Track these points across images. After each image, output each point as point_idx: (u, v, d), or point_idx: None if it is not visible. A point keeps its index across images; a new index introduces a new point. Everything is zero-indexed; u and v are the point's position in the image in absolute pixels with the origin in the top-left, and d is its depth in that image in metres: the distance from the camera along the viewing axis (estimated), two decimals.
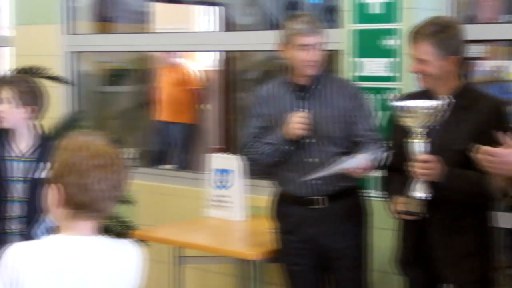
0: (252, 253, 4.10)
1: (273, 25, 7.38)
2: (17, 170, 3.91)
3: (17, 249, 2.33)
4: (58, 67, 5.71)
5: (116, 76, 7.54)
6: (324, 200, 3.96)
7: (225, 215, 4.76)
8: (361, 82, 4.34)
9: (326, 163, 3.79)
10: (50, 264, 2.29)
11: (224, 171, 4.82)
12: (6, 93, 3.88)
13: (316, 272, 4.07)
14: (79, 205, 2.30)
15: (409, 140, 3.33)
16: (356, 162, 3.68)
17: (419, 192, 3.33)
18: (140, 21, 7.62)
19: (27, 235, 3.77)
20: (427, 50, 3.41)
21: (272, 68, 7.51)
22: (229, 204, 4.76)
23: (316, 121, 3.89)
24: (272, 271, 4.78)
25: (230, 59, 7.63)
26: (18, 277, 2.29)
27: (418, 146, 3.31)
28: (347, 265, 4.00)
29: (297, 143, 3.91)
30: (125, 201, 4.88)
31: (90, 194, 2.29)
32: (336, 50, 4.56)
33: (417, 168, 3.30)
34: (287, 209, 4.04)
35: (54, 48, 5.91)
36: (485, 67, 4.26)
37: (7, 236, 3.87)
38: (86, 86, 6.32)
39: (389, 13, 4.32)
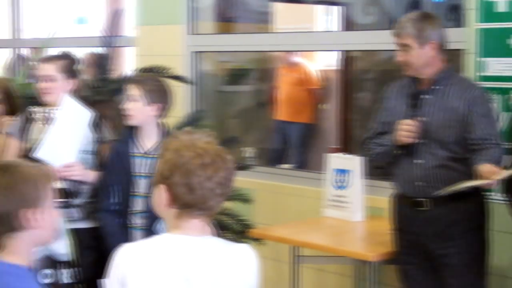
0: (370, 254, 4.07)
1: (394, 25, 7.29)
2: (142, 166, 3.99)
3: (125, 249, 2.37)
4: (179, 67, 5.80)
5: (236, 75, 7.61)
6: (428, 202, 3.90)
7: (343, 215, 4.73)
8: (485, 82, 4.24)
9: (431, 166, 3.81)
10: (155, 264, 2.32)
11: (342, 171, 4.78)
12: (135, 91, 3.97)
13: (427, 274, 3.99)
14: (187, 205, 2.32)
15: None
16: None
17: None
18: (261, 21, 7.67)
19: (149, 230, 3.85)
20: None
21: (393, 68, 7.43)
22: (347, 204, 4.73)
23: (428, 124, 3.84)
24: (389, 273, 4.71)
25: (350, 58, 7.59)
26: (124, 276, 2.33)
27: None
28: (453, 272, 3.89)
29: (407, 148, 3.89)
30: (243, 199, 4.92)
31: (197, 193, 2.30)
32: (460, 50, 4.46)
33: None
34: (400, 208, 4.04)
35: (177, 48, 6.00)
36: None
37: (131, 230, 3.97)
38: (207, 85, 6.40)
39: None
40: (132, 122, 4.00)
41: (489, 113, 3.86)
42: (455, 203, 3.84)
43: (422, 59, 3.85)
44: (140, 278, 2.32)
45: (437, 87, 3.88)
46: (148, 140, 4.02)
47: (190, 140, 2.36)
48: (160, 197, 2.35)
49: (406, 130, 3.83)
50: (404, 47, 3.87)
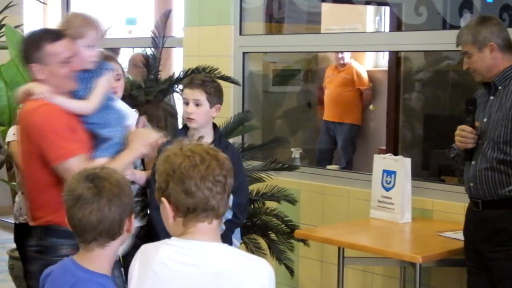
0: (416, 255, 4.02)
1: (444, 25, 7.22)
2: None
3: (140, 249, 2.41)
4: (227, 67, 5.81)
5: (284, 76, 7.60)
6: (479, 204, 3.90)
7: (390, 217, 4.69)
8: None
9: (481, 168, 3.81)
10: (156, 267, 2.32)
11: (390, 173, 4.74)
12: (199, 95, 3.89)
13: (481, 276, 3.95)
14: (189, 210, 2.29)
15: None
16: None
17: None
18: (310, 21, 7.64)
19: None
20: None
21: (443, 69, 7.36)
22: (394, 206, 4.68)
23: (486, 125, 3.84)
24: (435, 275, 4.67)
25: (399, 59, 7.53)
26: (130, 276, 2.38)
27: None
28: (498, 277, 3.85)
29: (468, 151, 3.90)
30: (290, 200, 4.92)
31: (196, 196, 2.28)
32: None
33: None
34: (467, 209, 4.07)
35: (226, 48, 6.01)
36: None
37: None
38: (255, 86, 6.40)
39: None
40: (194, 125, 3.92)
41: None
42: (509, 207, 3.79)
43: (484, 62, 3.86)
44: (139, 281, 2.35)
45: (499, 87, 3.86)
46: (203, 141, 4.00)
47: (177, 147, 2.35)
48: (166, 212, 2.33)
49: (460, 135, 3.86)
50: (466, 54, 3.91)
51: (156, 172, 2.36)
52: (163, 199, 2.32)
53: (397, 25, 7.62)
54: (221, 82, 4.80)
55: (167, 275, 2.31)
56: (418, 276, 4.09)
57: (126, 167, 3.46)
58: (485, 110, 3.90)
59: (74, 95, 3.45)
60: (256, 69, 6.49)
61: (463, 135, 3.85)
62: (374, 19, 8.70)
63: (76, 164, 3.20)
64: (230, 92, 5.81)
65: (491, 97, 3.89)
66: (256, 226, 4.87)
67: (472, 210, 3.98)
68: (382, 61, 8.62)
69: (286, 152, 6.54)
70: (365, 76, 8.45)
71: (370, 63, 8.88)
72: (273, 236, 4.89)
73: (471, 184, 3.91)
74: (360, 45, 5.83)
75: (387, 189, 4.74)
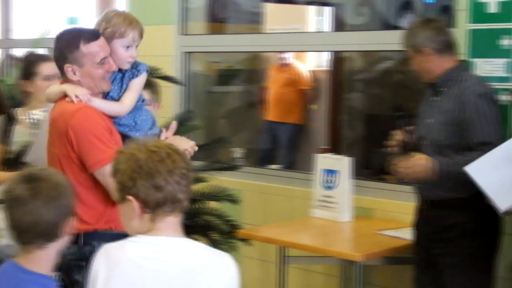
0: (355, 254, 4.05)
1: (385, 25, 7.29)
2: None
3: (100, 250, 2.38)
4: (170, 67, 5.78)
5: (226, 76, 7.60)
6: (426, 203, 3.97)
7: (331, 216, 4.72)
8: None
9: None
10: (125, 265, 2.31)
11: (331, 172, 4.77)
12: (147, 95, 3.81)
13: (426, 273, 4.01)
14: (159, 204, 2.30)
15: None
16: None
17: None
18: (252, 21, 7.66)
19: None
20: None
21: (384, 69, 7.43)
22: (335, 204, 4.71)
23: (430, 126, 3.90)
24: (375, 273, 4.71)
25: (340, 59, 7.58)
26: (95, 278, 2.34)
27: None
28: (444, 274, 3.91)
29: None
30: (231, 200, 4.91)
31: (165, 190, 2.29)
32: None
33: None
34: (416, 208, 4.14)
35: (168, 48, 5.97)
36: None
37: None
38: (197, 86, 6.38)
39: (505, 12, 4.18)
40: None
41: (487, 116, 3.78)
42: (454, 207, 3.85)
43: (422, 65, 3.94)
44: (107, 281, 2.31)
45: (442, 89, 3.91)
46: None
47: (139, 144, 2.37)
48: (130, 210, 2.32)
49: (392, 140, 3.92)
50: (409, 56, 4.00)
51: (116, 172, 2.35)
52: (130, 197, 2.30)
53: (339, 25, 7.68)
54: (163, 82, 4.79)
55: (137, 272, 2.29)
56: (358, 274, 4.13)
57: None
58: (429, 111, 3.95)
59: (106, 95, 3.34)
60: (199, 69, 6.46)
61: (388, 144, 3.92)
62: (316, 19, 8.74)
63: None
64: (172, 92, 5.78)
65: (435, 98, 3.94)
66: (198, 226, 4.84)
67: (420, 208, 4.05)
68: (325, 61, 8.67)
69: (229, 152, 6.54)
70: (307, 76, 8.49)
71: (313, 63, 8.92)
72: (214, 236, 4.87)
73: (417, 184, 3.97)
74: (302, 45, 5.84)
75: (329, 188, 4.77)
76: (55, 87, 3.32)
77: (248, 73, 8.27)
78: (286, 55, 8.34)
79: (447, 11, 5.31)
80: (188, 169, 2.35)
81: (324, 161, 4.84)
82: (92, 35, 3.25)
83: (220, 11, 6.99)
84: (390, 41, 4.60)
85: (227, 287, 2.32)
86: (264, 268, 5.15)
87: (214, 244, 4.84)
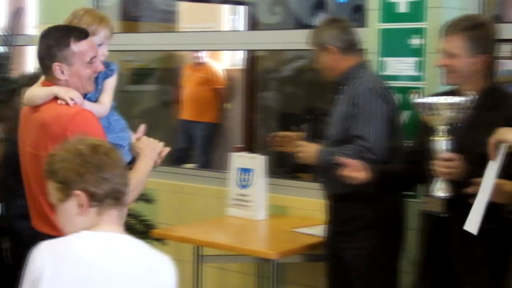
0: (271, 252, 4.08)
1: (299, 24, 7.35)
2: None
3: (41, 247, 2.33)
4: None
5: (140, 75, 7.55)
6: (331, 198, 4.07)
7: (246, 214, 4.73)
8: (386, 82, 4.29)
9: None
10: (73, 261, 2.28)
11: (246, 170, 4.78)
12: None
13: (338, 267, 4.07)
14: (105, 197, 2.32)
15: (432, 138, 3.27)
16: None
17: (441, 191, 3.27)
18: (166, 20, 7.63)
19: None
20: (458, 44, 3.37)
21: (298, 68, 7.49)
22: (250, 203, 4.73)
23: (328, 125, 4.04)
24: (290, 271, 4.75)
25: (254, 58, 7.61)
26: (40, 275, 2.28)
27: (441, 144, 3.25)
28: (351, 270, 3.98)
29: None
30: (146, 199, 4.87)
31: (112, 181, 2.32)
32: (363, 49, 4.52)
33: (439, 167, 3.24)
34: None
35: None
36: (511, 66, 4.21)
37: None
38: None
39: (415, 12, 4.26)
40: None
41: (369, 111, 3.90)
42: (356, 200, 3.91)
43: (326, 63, 4.05)
44: (55, 277, 2.27)
45: (342, 87, 4.02)
46: None
47: (78, 141, 2.39)
48: (75, 207, 2.32)
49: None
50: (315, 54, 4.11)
51: (54, 173, 2.33)
52: (78, 192, 2.29)
53: (253, 24, 7.71)
54: None
55: (85, 268, 2.27)
56: (273, 272, 4.15)
57: (146, 180, 3.29)
58: (332, 110, 4.05)
59: (84, 97, 3.22)
60: None
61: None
62: (231, 18, 8.76)
63: None
64: None
65: (337, 96, 4.05)
66: None
67: (327, 204, 4.12)
68: (239, 60, 8.70)
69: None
70: (222, 75, 8.50)
71: (227, 62, 8.93)
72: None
73: (322, 179, 4.09)
74: (217, 44, 5.83)
75: (244, 187, 4.78)
76: (42, 89, 3.18)
77: (162, 72, 8.22)
78: (201, 54, 8.33)
79: (359, 10, 5.39)
80: (125, 166, 2.41)
81: (239, 159, 4.85)
82: (82, 34, 3.16)
83: (134, 9, 6.94)
84: (303, 40, 4.63)
85: (169, 286, 2.40)
86: (180, 267, 5.08)
87: None
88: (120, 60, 6.70)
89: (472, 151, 3.24)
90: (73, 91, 3.12)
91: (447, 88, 3.57)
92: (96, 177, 2.30)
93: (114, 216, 2.36)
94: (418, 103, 3.33)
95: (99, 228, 2.33)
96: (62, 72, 3.12)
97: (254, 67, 7.64)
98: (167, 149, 3.38)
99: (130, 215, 4.86)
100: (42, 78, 3.22)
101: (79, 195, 2.30)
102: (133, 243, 2.38)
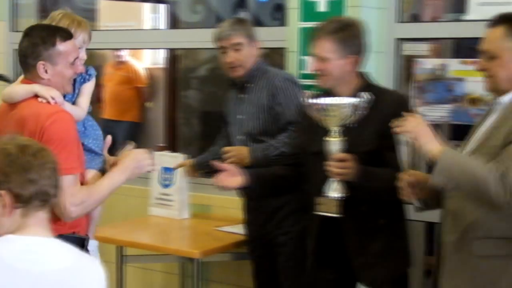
0: (193, 251, 4.10)
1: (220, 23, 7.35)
2: None
3: None
4: (1, 65, 5.61)
5: None
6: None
7: (169, 214, 4.73)
8: (304, 80, 4.33)
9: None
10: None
11: (168, 170, 4.77)
12: None
13: (265, 263, 4.15)
14: (31, 198, 2.27)
15: (325, 139, 3.29)
16: None
17: (335, 192, 3.31)
18: (86, 18, 7.52)
19: None
20: (328, 48, 3.42)
21: (219, 66, 7.50)
22: (173, 202, 4.73)
23: (244, 121, 4.08)
24: (213, 269, 4.76)
25: (175, 57, 7.59)
26: None
27: (334, 144, 3.28)
28: (279, 256, 4.08)
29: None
30: None
31: (39, 183, 2.27)
32: (284, 48, 4.55)
33: (332, 167, 3.27)
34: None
35: None
36: (428, 65, 4.28)
37: None
38: None
39: (334, 11, 4.31)
40: None
41: (293, 97, 4.03)
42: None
43: (244, 57, 4.11)
44: None
45: (249, 85, 4.10)
46: None
47: (6, 139, 2.33)
48: (1, 207, 2.27)
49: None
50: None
51: None
52: (2, 192, 2.24)
53: (174, 23, 7.68)
54: None
55: (9, 274, 2.21)
56: (196, 271, 4.16)
57: (116, 189, 3.23)
58: (238, 108, 4.12)
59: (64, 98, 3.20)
60: None
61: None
62: (151, 17, 8.71)
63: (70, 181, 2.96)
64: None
65: (242, 95, 4.12)
66: None
67: (247, 201, 4.16)
68: (160, 58, 8.66)
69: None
70: (143, 73, 8.45)
71: (149, 61, 8.89)
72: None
73: None
74: (137, 42, 5.81)
75: (166, 186, 4.77)
76: (23, 87, 3.13)
77: None
78: (122, 52, 8.26)
79: (280, 9, 5.42)
80: (56, 165, 2.33)
81: (161, 159, 4.84)
82: (67, 34, 3.13)
83: (52, 7, 6.84)
84: None
85: None
86: (103, 268, 5.08)
87: None
88: None
89: (355, 153, 3.28)
90: (54, 90, 3.10)
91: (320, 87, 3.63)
92: (22, 178, 2.25)
93: (41, 219, 2.31)
94: (312, 104, 3.33)
95: (25, 231, 2.28)
96: (46, 71, 3.10)
97: (175, 65, 7.62)
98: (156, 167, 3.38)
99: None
100: (22, 76, 3.19)
101: (3, 196, 2.26)
102: (60, 247, 2.33)
